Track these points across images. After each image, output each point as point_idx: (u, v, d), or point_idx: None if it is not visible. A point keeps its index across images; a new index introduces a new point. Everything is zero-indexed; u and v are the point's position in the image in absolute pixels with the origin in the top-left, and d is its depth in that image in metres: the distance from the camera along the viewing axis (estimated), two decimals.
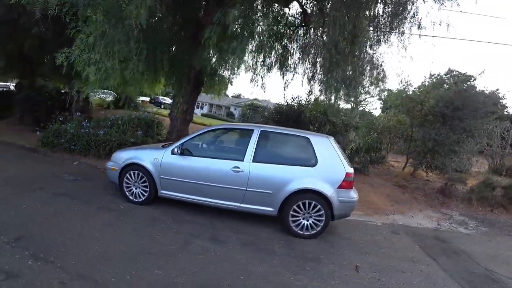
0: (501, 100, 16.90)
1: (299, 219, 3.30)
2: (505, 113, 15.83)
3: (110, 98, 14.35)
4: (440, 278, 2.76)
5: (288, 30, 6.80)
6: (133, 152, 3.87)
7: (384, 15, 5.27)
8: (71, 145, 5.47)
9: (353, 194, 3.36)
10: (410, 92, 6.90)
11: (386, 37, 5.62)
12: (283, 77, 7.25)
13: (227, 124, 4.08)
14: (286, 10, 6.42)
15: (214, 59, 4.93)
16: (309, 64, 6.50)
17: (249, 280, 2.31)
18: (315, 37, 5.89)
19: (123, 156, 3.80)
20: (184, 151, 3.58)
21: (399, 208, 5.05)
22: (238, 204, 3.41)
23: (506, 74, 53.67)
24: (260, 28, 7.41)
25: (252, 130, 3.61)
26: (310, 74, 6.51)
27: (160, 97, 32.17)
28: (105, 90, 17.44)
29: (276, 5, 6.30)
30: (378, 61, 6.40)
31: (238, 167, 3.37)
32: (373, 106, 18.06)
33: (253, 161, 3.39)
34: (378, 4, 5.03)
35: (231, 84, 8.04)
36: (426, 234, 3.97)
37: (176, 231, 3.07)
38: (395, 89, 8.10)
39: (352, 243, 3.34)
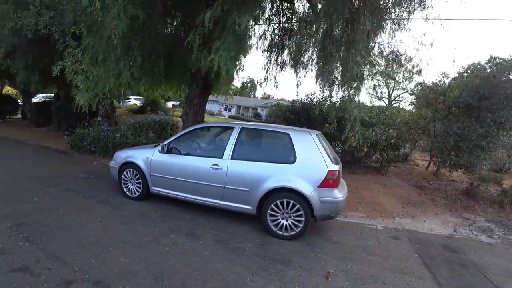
0: None
1: (278, 219, 3.14)
2: None
3: (138, 104, 15.62)
4: None
5: (300, 26, 6.55)
6: (130, 152, 4.13)
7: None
8: (92, 147, 6.10)
9: (338, 194, 3.07)
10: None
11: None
12: (296, 75, 7.02)
13: (212, 122, 4.11)
14: (298, 6, 6.24)
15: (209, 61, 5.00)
16: (318, 59, 6.17)
17: (203, 275, 2.29)
18: (317, 30, 5.58)
19: (122, 155, 4.09)
20: (171, 150, 3.71)
21: (411, 211, 4.46)
22: (218, 201, 3.40)
23: None
24: (271, 27, 7.37)
25: (233, 128, 3.57)
26: (317, 69, 6.20)
27: None
28: (137, 97, 19.16)
29: (286, 3, 6.16)
30: (396, 51, 5.80)
31: (217, 165, 3.36)
32: (408, 102, 16.33)
33: (232, 158, 3.35)
34: None
35: (231, 85, 8.07)
36: (434, 242, 3.42)
37: (157, 225, 3.19)
38: (430, 82, 7.20)
39: (337, 248, 3.05)
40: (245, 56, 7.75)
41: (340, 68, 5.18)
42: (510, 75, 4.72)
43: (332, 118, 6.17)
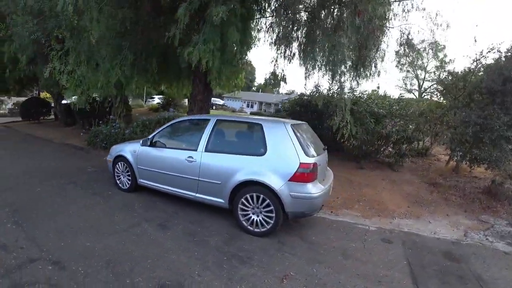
0: None
1: (249, 214, 2.98)
2: None
3: (156, 102, 16.44)
4: None
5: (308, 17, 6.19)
6: (122, 146, 4.30)
7: None
8: (104, 144, 6.53)
9: (311, 189, 2.78)
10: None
11: None
12: (306, 68, 6.70)
13: (192, 115, 4.05)
14: None
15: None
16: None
17: (154, 264, 2.27)
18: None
19: (116, 149, 4.28)
20: (155, 143, 3.76)
21: (416, 211, 3.91)
22: (193, 194, 3.35)
23: None
24: (276, 19, 7.11)
25: (209, 120, 3.47)
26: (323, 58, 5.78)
27: (212, 99, 34.65)
28: (161, 96, 20.21)
29: None
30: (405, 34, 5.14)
31: (192, 157, 3.31)
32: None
33: (205, 150, 3.27)
34: None
35: (238, 80, 7.92)
36: (434, 247, 2.92)
37: (136, 215, 3.26)
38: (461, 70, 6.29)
39: (311, 248, 2.76)
40: (248, 49, 7.60)
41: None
42: None
43: (333, 109, 5.75)
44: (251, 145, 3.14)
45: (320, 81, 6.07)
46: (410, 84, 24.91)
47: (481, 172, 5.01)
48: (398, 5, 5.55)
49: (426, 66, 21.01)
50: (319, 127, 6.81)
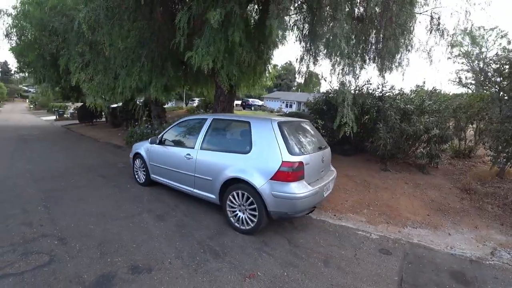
0: None
1: (236, 211, 3.01)
2: None
3: (195, 104, 17.64)
4: None
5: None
6: (140, 144, 4.78)
7: None
8: (136, 142, 7.34)
9: (295, 189, 2.65)
10: None
11: None
12: (332, 63, 6.44)
13: (195, 115, 4.24)
14: None
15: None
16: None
17: (136, 248, 2.51)
18: None
19: (135, 147, 4.79)
20: (164, 141, 4.09)
21: (437, 220, 3.35)
22: (191, 189, 3.54)
23: None
24: (301, 16, 6.97)
25: (206, 119, 3.61)
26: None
27: (250, 100, 35.24)
28: (197, 99, 21.65)
29: None
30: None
31: (189, 154, 3.50)
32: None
33: (201, 148, 3.42)
34: None
35: (263, 80, 7.93)
36: (444, 265, 2.46)
37: (141, 206, 3.61)
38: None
39: (293, 251, 2.62)
40: (270, 49, 7.59)
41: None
42: None
43: (349, 106, 5.33)
44: (240, 143, 3.16)
45: (345, 77, 5.68)
46: (465, 77, 21.14)
47: None
48: None
49: (485, 57, 17.49)
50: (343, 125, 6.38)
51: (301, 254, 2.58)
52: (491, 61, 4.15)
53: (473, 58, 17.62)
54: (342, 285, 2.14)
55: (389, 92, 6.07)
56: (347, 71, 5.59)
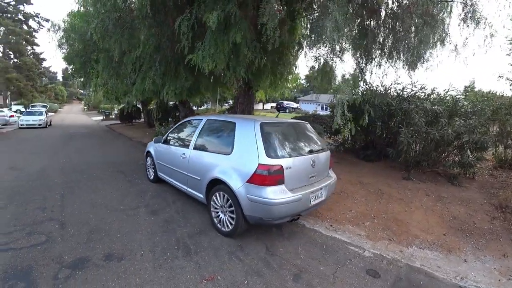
0: None
1: (218, 212, 3.04)
2: None
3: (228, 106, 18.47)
4: None
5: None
6: (152, 143, 5.18)
7: None
8: None
9: (270, 194, 2.55)
10: None
11: None
12: (360, 62, 6.11)
13: (196, 116, 4.40)
14: None
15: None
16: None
17: (119, 237, 2.74)
18: None
19: (148, 146, 5.21)
20: (168, 141, 4.36)
21: (453, 242, 2.84)
22: (186, 188, 3.70)
23: None
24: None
25: (201, 120, 3.74)
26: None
27: (285, 102, 35.06)
28: (230, 101, 22.46)
29: None
30: None
31: (184, 154, 3.68)
32: None
33: (193, 148, 3.55)
34: None
35: (285, 82, 7.81)
36: None
37: (141, 201, 3.92)
38: None
39: (266, 260, 2.50)
40: (290, 51, 7.49)
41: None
42: None
43: (365, 108, 4.94)
44: (225, 144, 3.18)
45: (372, 77, 5.27)
46: None
47: None
48: None
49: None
50: (367, 128, 5.97)
51: (274, 263, 2.47)
52: None
53: None
54: None
55: (419, 92, 5.41)
56: (364, 67, 5.18)
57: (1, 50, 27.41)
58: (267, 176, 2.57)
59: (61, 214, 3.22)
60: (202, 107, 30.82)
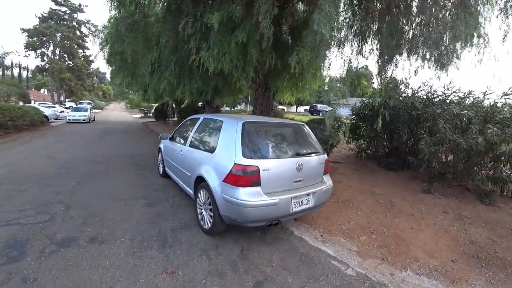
0: None
1: (202, 209, 3.13)
2: None
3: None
4: None
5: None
6: (162, 139, 5.54)
7: None
8: None
9: (243, 196, 2.53)
10: None
11: None
12: (378, 61, 5.78)
13: (197, 115, 4.55)
14: None
15: None
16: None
17: (109, 225, 3.01)
18: None
19: (160, 142, 5.59)
20: (173, 138, 4.65)
21: (462, 271, 2.42)
22: (181, 183, 3.91)
23: None
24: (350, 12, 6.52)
25: (199, 118, 3.89)
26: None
27: (319, 105, 34.21)
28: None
29: None
30: None
31: (182, 151, 3.89)
32: None
33: (189, 146, 3.72)
34: None
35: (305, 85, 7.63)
36: None
37: (144, 193, 4.23)
38: None
39: (235, 263, 2.47)
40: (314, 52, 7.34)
41: None
42: None
43: (380, 110, 4.57)
44: (212, 142, 3.25)
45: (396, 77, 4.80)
46: None
47: None
48: None
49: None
50: (390, 134, 5.54)
51: (241, 267, 2.43)
52: None
53: None
54: None
55: (452, 95, 4.76)
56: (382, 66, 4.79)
57: (58, 53, 32.30)
58: (241, 177, 2.56)
59: (69, 199, 3.68)
60: (237, 108, 31.69)
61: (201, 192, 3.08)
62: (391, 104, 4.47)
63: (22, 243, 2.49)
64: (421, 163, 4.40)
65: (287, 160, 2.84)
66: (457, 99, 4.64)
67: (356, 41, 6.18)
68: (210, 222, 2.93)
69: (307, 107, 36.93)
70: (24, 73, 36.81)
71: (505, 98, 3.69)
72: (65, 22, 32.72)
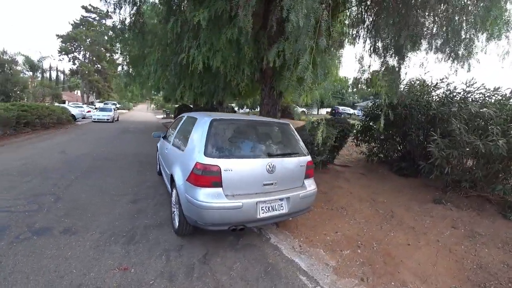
0: None
1: (174, 208, 3.14)
2: None
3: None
4: None
5: None
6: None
7: None
8: None
9: (201, 196, 2.45)
10: None
11: None
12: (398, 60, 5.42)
13: (186, 113, 4.59)
14: None
15: None
16: None
17: (90, 217, 3.19)
18: None
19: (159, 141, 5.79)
20: (165, 136, 4.76)
21: None
22: (165, 181, 3.95)
23: None
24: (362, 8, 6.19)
25: (183, 117, 3.92)
26: None
27: (341, 108, 33.24)
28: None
29: None
30: None
31: (167, 149, 3.96)
32: None
33: (172, 144, 3.77)
34: None
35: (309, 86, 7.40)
36: None
37: (136, 190, 4.42)
38: None
39: (193, 266, 2.41)
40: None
41: None
42: None
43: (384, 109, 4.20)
44: (186, 140, 3.22)
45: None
46: None
47: None
48: None
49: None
50: (404, 137, 5.08)
51: (197, 272, 2.35)
52: None
53: None
54: None
55: (475, 92, 4.16)
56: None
57: (87, 57, 35.56)
58: (201, 176, 2.49)
59: (62, 192, 3.97)
60: (257, 109, 31.91)
61: (174, 191, 3.08)
62: (395, 102, 4.03)
63: (3, 229, 2.74)
64: (433, 168, 3.91)
65: (255, 160, 2.69)
66: (481, 97, 4.03)
67: (369, 37, 5.79)
68: (178, 222, 2.90)
69: (329, 109, 35.99)
70: (61, 76, 41.64)
71: None
72: (94, 28, 36.15)
